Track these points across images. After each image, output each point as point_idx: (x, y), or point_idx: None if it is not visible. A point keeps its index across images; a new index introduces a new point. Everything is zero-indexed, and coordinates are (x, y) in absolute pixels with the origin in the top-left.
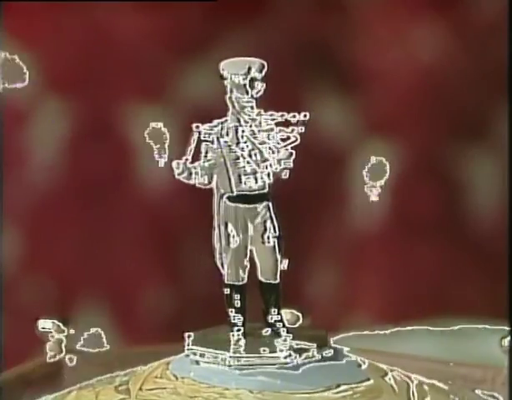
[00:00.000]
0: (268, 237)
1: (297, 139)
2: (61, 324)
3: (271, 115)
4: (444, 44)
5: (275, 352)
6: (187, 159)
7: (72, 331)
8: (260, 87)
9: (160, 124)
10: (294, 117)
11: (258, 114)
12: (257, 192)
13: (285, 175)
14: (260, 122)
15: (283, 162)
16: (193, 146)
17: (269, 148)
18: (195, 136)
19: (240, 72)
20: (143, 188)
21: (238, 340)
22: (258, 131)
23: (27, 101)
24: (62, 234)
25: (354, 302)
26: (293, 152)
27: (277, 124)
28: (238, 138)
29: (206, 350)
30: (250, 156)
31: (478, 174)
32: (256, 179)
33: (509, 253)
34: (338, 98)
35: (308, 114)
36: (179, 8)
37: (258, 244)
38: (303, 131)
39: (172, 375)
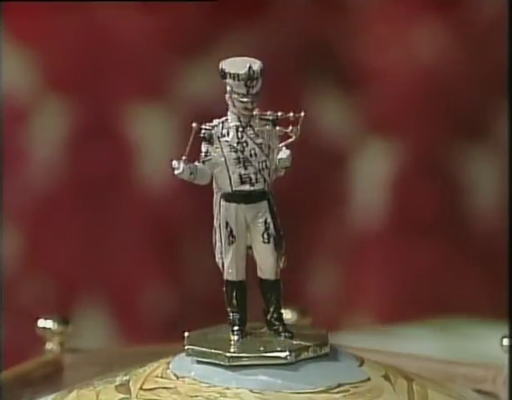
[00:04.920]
0: (269, 236)
1: (296, 138)
2: (61, 323)
3: (270, 114)
4: (445, 44)
5: (276, 351)
6: (187, 158)
7: (72, 330)
8: (260, 86)
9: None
10: (293, 115)
11: (258, 113)
12: (257, 192)
13: (285, 174)
14: (260, 122)
15: (283, 161)
16: (190, 143)
17: (269, 147)
18: (194, 134)
19: (240, 71)
20: (143, 188)
21: (239, 339)
22: (258, 130)
23: (27, 101)
24: (63, 233)
25: (355, 302)
26: (293, 151)
27: (276, 123)
28: (238, 137)
29: (206, 349)
30: (250, 155)
31: (478, 174)
32: (256, 178)
33: (509, 253)
34: (339, 98)
35: (304, 113)
36: (179, 8)
37: (259, 243)
38: (299, 130)
39: (172, 374)
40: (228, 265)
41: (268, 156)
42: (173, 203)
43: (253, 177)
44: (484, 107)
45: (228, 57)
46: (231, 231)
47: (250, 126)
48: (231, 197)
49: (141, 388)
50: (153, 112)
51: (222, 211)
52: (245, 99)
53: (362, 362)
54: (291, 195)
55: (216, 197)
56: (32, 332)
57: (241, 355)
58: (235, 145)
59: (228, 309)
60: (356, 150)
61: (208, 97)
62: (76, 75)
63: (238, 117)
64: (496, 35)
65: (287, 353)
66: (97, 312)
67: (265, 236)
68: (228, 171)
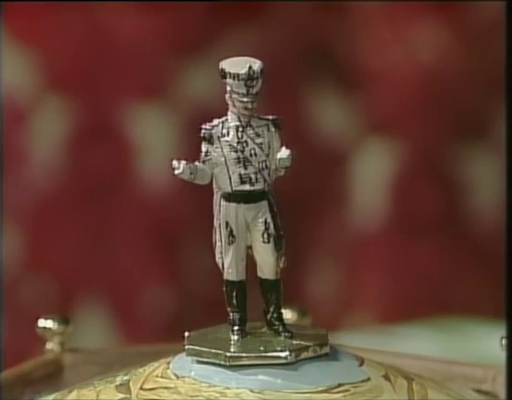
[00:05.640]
0: (269, 236)
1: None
2: (61, 323)
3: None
4: (445, 44)
5: (276, 351)
6: (187, 158)
7: (72, 330)
8: (260, 86)
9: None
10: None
11: (258, 114)
12: (257, 191)
13: (285, 174)
14: (260, 121)
15: (283, 161)
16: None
17: (269, 147)
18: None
19: (240, 71)
20: (144, 188)
21: (239, 339)
22: (258, 129)
23: (27, 101)
24: (63, 233)
25: (355, 301)
26: (293, 151)
27: (277, 124)
28: (238, 137)
29: (206, 349)
30: (250, 155)
31: (478, 174)
32: (256, 178)
33: (506, 252)
34: (339, 98)
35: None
36: (179, 8)
37: (259, 243)
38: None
39: (172, 374)
40: (228, 265)
41: (268, 156)
42: (173, 203)
43: (253, 176)
44: (484, 107)
45: (228, 57)
46: (231, 231)
47: (250, 126)
48: (231, 197)
49: (141, 388)
50: (153, 111)
51: (222, 211)
52: (245, 99)
53: (362, 362)
54: (291, 195)
55: (216, 197)
56: (33, 331)
57: (241, 355)
58: (235, 145)
59: (228, 309)
60: (356, 150)
61: (208, 97)
62: (76, 75)
63: (238, 117)
64: (496, 35)
65: (287, 353)
66: (97, 311)
67: (265, 236)
68: (228, 171)
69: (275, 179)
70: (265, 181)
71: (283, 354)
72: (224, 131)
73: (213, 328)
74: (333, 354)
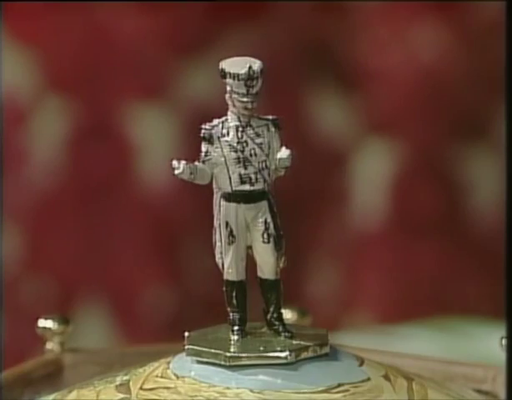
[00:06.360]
0: (269, 236)
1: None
2: (61, 323)
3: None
4: (445, 44)
5: (276, 351)
6: (187, 158)
7: (72, 330)
8: (260, 86)
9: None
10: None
11: (258, 114)
12: (257, 191)
13: (285, 174)
14: (260, 121)
15: (283, 161)
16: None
17: (269, 147)
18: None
19: (240, 71)
20: (144, 187)
21: (239, 339)
22: (258, 129)
23: (27, 101)
24: (63, 233)
25: (355, 301)
26: (293, 151)
27: (277, 124)
28: (238, 137)
29: (206, 349)
30: (250, 155)
31: (478, 174)
32: (256, 178)
33: (506, 252)
34: (339, 98)
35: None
36: (179, 8)
37: (259, 243)
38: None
39: (172, 374)
40: (228, 265)
41: (268, 156)
42: (173, 203)
43: (253, 176)
44: (484, 107)
45: (228, 57)
46: (231, 231)
47: (250, 126)
48: (231, 197)
49: (141, 388)
50: (153, 111)
51: (222, 211)
52: (245, 99)
53: (362, 362)
54: (291, 195)
55: (216, 197)
56: (33, 331)
57: (241, 355)
58: (235, 145)
59: (228, 309)
60: (356, 150)
61: (208, 97)
62: (76, 75)
63: (238, 117)
64: (496, 35)
65: (287, 353)
66: (97, 311)
67: (265, 236)
68: (228, 171)
69: (275, 179)
70: (265, 181)
71: (283, 354)
72: (224, 131)
73: (213, 328)
74: (333, 354)
